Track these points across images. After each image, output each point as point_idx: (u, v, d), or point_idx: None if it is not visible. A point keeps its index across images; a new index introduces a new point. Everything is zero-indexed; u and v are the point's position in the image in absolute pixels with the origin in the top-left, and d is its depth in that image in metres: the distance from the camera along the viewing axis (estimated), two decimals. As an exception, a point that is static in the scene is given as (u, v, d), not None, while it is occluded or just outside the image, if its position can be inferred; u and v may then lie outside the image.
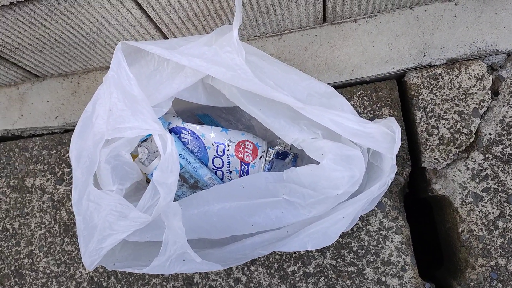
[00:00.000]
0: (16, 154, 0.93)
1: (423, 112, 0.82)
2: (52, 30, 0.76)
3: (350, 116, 0.66)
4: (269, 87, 0.65)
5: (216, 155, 0.76)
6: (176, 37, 0.83)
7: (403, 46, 0.84)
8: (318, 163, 0.72)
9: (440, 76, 0.83)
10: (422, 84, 0.83)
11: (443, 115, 0.81)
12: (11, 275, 0.89)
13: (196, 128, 0.76)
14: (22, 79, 0.94)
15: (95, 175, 0.71)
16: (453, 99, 0.81)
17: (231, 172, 0.77)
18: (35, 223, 0.90)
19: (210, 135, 0.75)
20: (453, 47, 0.83)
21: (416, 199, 0.94)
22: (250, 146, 0.76)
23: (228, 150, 0.75)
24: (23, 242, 0.90)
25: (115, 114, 0.65)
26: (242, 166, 0.76)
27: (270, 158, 0.75)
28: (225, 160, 0.76)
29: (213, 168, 0.77)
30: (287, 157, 0.79)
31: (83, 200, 0.69)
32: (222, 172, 0.77)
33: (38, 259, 0.89)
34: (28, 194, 0.91)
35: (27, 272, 0.89)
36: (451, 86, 0.82)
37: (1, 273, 0.89)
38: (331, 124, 0.66)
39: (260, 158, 0.76)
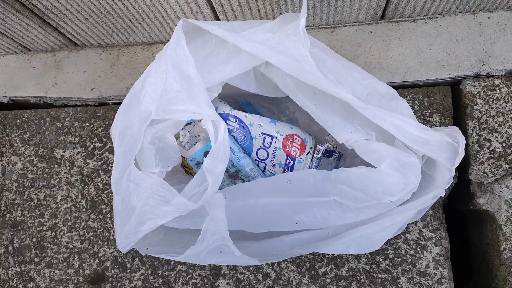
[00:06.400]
0: (47, 123, 0.90)
1: (476, 123, 0.79)
2: (104, -2, 0.73)
3: (411, 121, 0.63)
4: (332, 83, 0.62)
5: (262, 147, 0.73)
6: (230, 20, 0.80)
7: (462, 52, 0.81)
8: (365, 164, 0.69)
9: (497, 88, 0.79)
10: (478, 94, 0.80)
11: (496, 128, 0.78)
12: (32, 247, 0.87)
13: (245, 116, 0.73)
14: (60, 46, 0.91)
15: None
16: (509, 112, 0.78)
17: (274, 165, 0.74)
18: (61, 196, 0.87)
19: (259, 125, 0.72)
20: (514, 59, 0.79)
21: (450, 210, 0.91)
22: (298, 140, 0.73)
23: (275, 142, 0.72)
24: (47, 214, 0.87)
25: (169, 94, 0.62)
26: (288, 161, 0.73)
27: (319, 156, 0.72)
28: (271, 153, 0.73)
29: (256, 159, 0.74)
30: (332, 155, 0.76)
31: (123, 179, 0.67)
32: (265, 164, 0.74)
33: (61, 233, 0.86)
34: (56, 166, 0.88)
35: (49, 245, 0.86)
36: (508, 99, 0.79)
37: (22, 244, 0.87)
38: (392, 128, 0.63)
39: (307, 154, 0.73)
